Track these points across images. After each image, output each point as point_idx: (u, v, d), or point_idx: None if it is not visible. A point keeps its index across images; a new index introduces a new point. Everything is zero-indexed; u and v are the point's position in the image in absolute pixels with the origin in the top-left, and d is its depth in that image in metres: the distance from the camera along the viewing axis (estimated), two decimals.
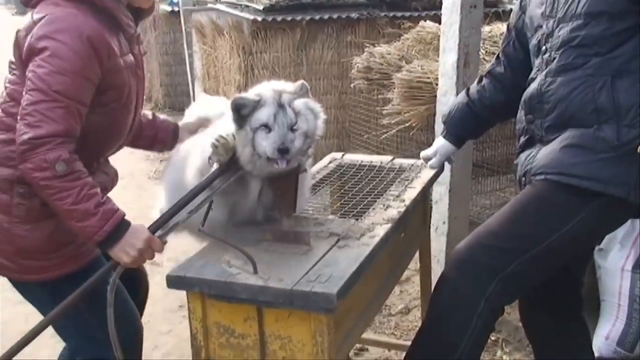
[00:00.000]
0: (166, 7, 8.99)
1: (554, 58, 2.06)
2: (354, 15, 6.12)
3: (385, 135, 4.43)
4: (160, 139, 2.33)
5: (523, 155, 2.19)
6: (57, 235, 1.94)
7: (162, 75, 9.00)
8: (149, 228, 1.86)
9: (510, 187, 4.42)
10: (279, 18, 5.88)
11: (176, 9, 8.30)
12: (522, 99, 2.19)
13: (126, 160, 7.27)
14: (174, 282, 1.72)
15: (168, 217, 1.88)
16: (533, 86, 2.13)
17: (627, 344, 2.89)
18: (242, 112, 1.79)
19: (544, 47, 2.10)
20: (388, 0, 6.41)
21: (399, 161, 2.58)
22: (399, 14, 6.19)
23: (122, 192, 5.65)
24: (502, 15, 6.00)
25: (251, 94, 1.84)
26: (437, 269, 3.55)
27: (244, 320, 1.69)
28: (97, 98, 1.90)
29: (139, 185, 6.16)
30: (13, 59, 1.94)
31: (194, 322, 1.75)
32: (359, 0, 6.34)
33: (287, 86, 1.87)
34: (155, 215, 2.01)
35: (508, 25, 2.41)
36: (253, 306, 1.66)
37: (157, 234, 1.87)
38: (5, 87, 1.97)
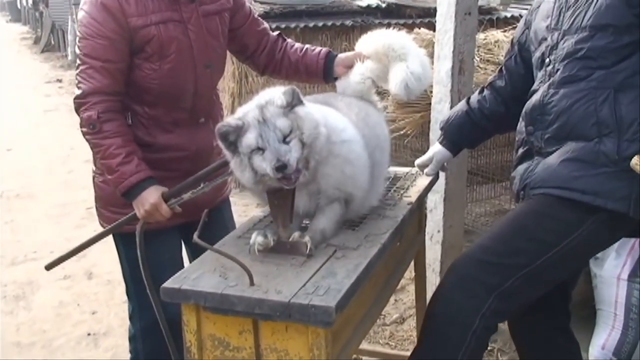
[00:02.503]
0: None
1: (558, 70, 2.05)
2: (348, 22, 6.13)
3: None
4: (309, 71, 2.47)
5: (521, 168, 2.17)
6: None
7: None
8: (162, 194, 2.09)
9: (505, 194, 4.40)
10: (273, 25, 5.85)
11: None
12: (524, 110, 2.17)
13: None
14: (169, 294, 1.68)
15: (182, 189, 2.10)
16: (535, 97, 2.11)
17: (623, 353, 2.88)
18: (229, 139, 1.73)
19: (547, 59, 2.10)
20: (382, 7, 6.43)
21: (394, 169, 2.56)
22: (393, 21, 6.18)
23: None
24: (496, 23, 6.01)
25: (234, 117, 1.76)
26: (432, 277, 3.53)
27: (239, 333, 1.66)
28: (140, 55, 2.19)
29: None
30: None
31: (187, 334, 1.72)
32: (354, 7, 6.36)
33: (277, 94, 1.77)
34: None
35: (512, 40, 2.41)
36: (249, 319, 1.63)
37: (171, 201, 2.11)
38: None
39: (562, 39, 2.05)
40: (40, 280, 4.38)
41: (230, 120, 1.75)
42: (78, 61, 2.16)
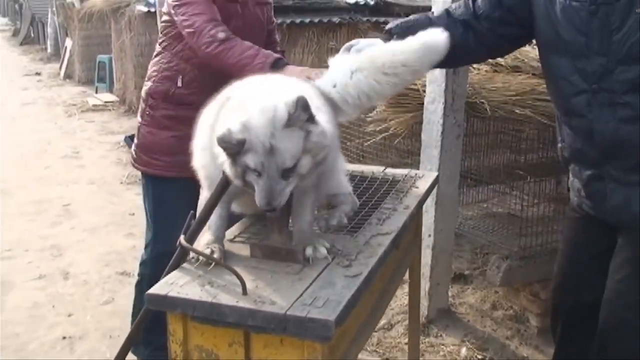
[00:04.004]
0: (142, 8, 8.78)
1: (623, 103, 1.91)
2: (335, 19, 6.04)
3: (368, 143, 4.30)
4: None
5: (596, 190, 2.07)
6: (165, 145, 2.64)
7: (136, 77, 8.78)
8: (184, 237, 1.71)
9: (493, 198, 4.31)
10: None
11: (153, 9, 8.08)
12: (575, 133, 2.06)
13: (98, 165, 7.08)
14: (154, 301, 1.56)
15: (197, 227, 1.73)
16: (599, 128, 1.96)
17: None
18: (229, 151, 1.53)
19: (595, 86, 1.95)
20: (370, 5, 6.35)
21: (392, 171, 2.44)
22: (381, 19, 6.11)
23: (92, 197, 5.52)
24: None
25: (237, 127, 1.50)
26: (422, 283, 3.43)
27: (228, 345, 1.54)
28: None
29: (110, 190, 5.95)
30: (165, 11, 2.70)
31: (173, 345, 1.59)
32: (341, 4, 6.27)
33: (287, 105, 1.51)
34: None
35: None
36: (239, 330, 1.51)
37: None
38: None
39: (615, 68, 1.90)
40: (13, 280, 4.21)
41: (234, 129, 1.50)
42: (179, 9, 2.49)
